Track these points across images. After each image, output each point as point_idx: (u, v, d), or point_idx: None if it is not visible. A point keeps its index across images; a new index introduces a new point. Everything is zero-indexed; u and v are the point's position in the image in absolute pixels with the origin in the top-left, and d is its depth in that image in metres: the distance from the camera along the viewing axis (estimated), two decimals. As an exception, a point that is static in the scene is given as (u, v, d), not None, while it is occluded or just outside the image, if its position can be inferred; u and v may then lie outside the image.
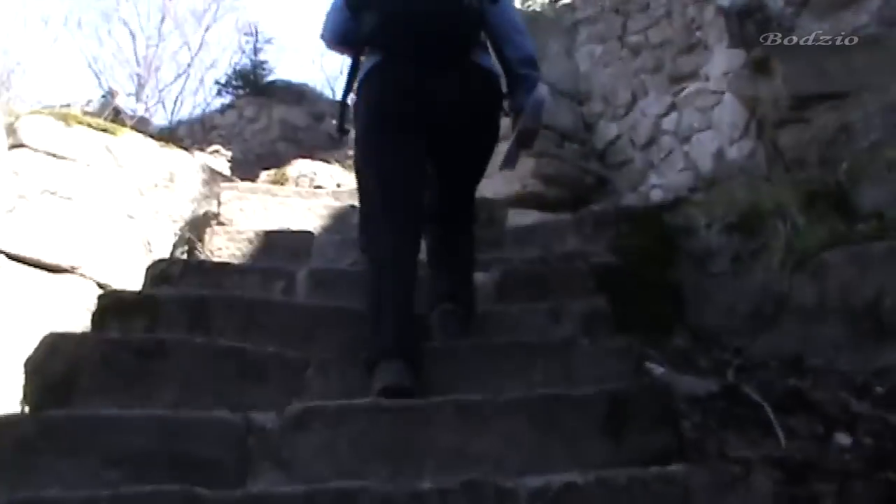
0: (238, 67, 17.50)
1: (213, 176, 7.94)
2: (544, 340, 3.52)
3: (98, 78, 24.82)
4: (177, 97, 24.31)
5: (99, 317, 3.78)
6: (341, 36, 4.03)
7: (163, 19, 25.79)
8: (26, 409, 3.30)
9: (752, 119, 8.05)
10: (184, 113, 22.17)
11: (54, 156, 6.97)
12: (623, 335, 3.78)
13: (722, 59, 8.57)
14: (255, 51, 17.71)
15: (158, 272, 4.38)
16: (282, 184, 9.63)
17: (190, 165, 7.87)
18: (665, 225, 5.58)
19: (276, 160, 13.72)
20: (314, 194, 6.95)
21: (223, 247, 5.23)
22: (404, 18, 3.73)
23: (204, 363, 3.28)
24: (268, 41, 18.58)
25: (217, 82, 17.83)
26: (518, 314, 3.89)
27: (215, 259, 5.14)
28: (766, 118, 7.59)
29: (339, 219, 6.22)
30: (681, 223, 5.69)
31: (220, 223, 6.06)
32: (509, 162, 4.02)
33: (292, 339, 3.66)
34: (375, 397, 3.13)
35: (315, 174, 9.58)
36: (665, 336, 4.71)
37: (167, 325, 3.71)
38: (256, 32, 18.19)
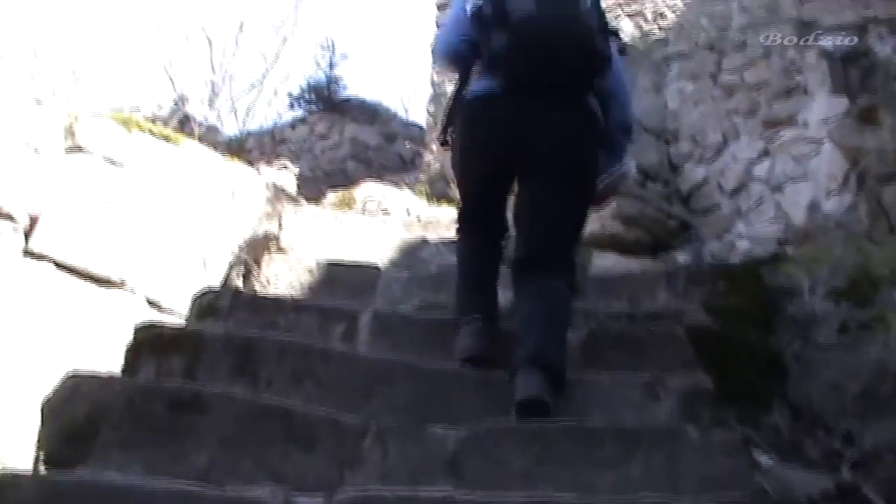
0: (312, 81, 17.16)
1: (278, 194, 7.53)
2: (645, 426, 3.02)
3: (172, 82, 24.78)
4: (249, 107, 24.23)
5: (133, 353, 3.34)
6: (456, 52, 3.99)
7: (241, 28, 25.78)
8: (41, 455, 2.87)
9: (853, 171, 7.52)
10: (255, 124, 22.06)
11: (112, 162, 6.59)
12: (721, 409, 3.34)
13: (822, 106, 8.03)
14: (331, 65, 17.38)
15: (205, 304, 3.94)
16: (349, 205, 9.22)
17: (253, 182, 7.46)
18: (764, 285, 5.08)
19: (345, 179, 13.40)
20: (383, 223, 6.52)
21: (280, 275, 4.81)
22: (538, 46, 3.61)
23: (245, 421, 2.83)
24: (343, 56, 18.29)
25: (290, 95, 17.50)
26: (609, 385, 3.39)
27: (271, 288, 4.71)
28: (870, 172, 7.08)
29: (409, 253, 5.79)
30: (781, 284, 5.19)
31: (280, 249, 5.64)
32: None
33: (349, 396, 3.22)
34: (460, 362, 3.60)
35: (384, 198, 9.14)
36: (763, 412, 4.20)
37: (209, 369, 3.27)
38: (333, 47, 17.88)
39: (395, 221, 6.85)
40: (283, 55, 24.90)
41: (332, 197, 9.93)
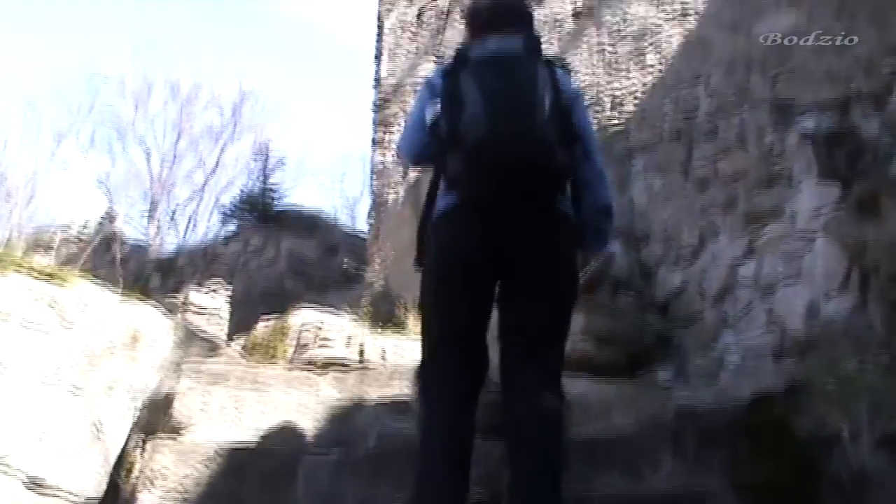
0: (245, 192, 16.10)
1: (189, 336, 6.42)
2: None
3: (109, 196, 23.95)
4: (190, 218, 23.40)
5: None
6: (420, 155, 3.96)
7: (178, 137, 25.07)
8: None
9: (854, 268, 6.61)
10: (199, 233, 21.32)
11: (-24, 312, 5.49)
12: None
13: (811, 195, 7.17)
14: (265, 174, 16.36)
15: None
16: (282, 336, 8.10)
17: (159, 324, 6.35)
18: (795, 437, 4.02)
19: (282, 298, 12.41)
20: (308, 379, 5.40)
21: (169, 469, 3.65)
22: (493, 170, 3.51)
23: None
24: (280, 163, 17.31)
25: (222, 209, 16.48)
26: None
27: (157, 488, 3.55)
28: (879, 270, 6.15)
29: (341, 420, 4.69)
30: (812, 431, 4.13)
31: (172, 429, 4.49)
32: None
33: None
34: None
35: (321, 325, 8.02)
36: None
37: None
38: (267, 154, 16.90)
39: (324, 377, 5.70)
40: (223, 163, 24.30)
41: (262, 327, 8.80)
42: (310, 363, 7.29)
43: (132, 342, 6.03)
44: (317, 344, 7.83)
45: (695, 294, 7.74)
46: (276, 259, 14.39)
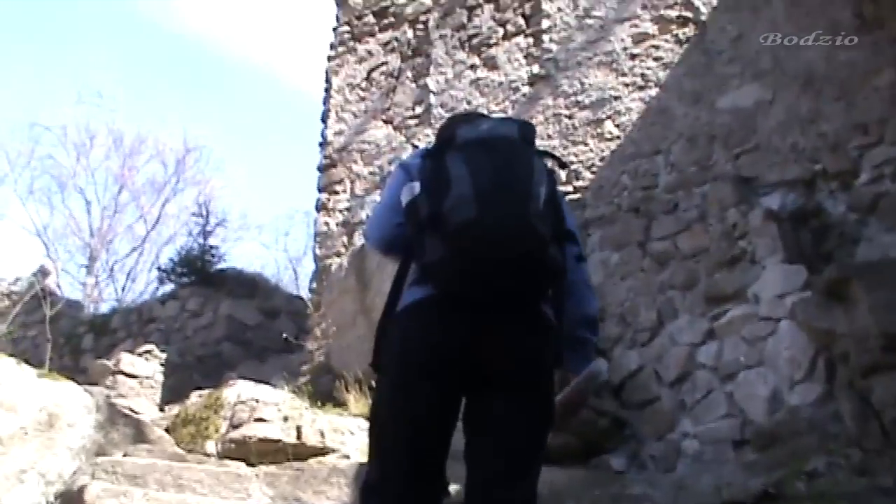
0: (183, 252, 15.54)
1: (113, 416, 5.93)
2: None
3: (47, 248, 23.47)
4: (129, 272, 22.93)
5: None
6: (390, 241, 3.49)
7: (120, 189, 24.65)
8: None
9: (820, 356, 6.32)
10: (137, 289, 20.92)
11: None
12: None
13: (775, 277, 6.93)
14: (205, 234, 15.82)
15: None
16: (215, 410, 7.63)
17: (79, 404, 5.86)
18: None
19: (219, 365, 12.04)
20: (238, 479, 4.92)
21: None
22: (480, 256, 3.10)
23: None
24: (220, 223, 16.88)
25: (159, 269, 15.96)
26: None
27: None
28: (848, 361, 5.86)
29: (273, 536, 4.21)
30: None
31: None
32: None
33: None
34: None
35: (256, 402, 7.56)
36: None
37: None
38: (207, 213, 16.41)
39: (257, 475, 5.22)
40: (166, 216, 23.97)
41: (195, 398, 8.33)
42: (244, 444, 6.86)
43: (48, 424, 5.55)
44: (252, 421, 7.38)
45: (651, 377, 7.39)
46: (213, 323, 13.78)
